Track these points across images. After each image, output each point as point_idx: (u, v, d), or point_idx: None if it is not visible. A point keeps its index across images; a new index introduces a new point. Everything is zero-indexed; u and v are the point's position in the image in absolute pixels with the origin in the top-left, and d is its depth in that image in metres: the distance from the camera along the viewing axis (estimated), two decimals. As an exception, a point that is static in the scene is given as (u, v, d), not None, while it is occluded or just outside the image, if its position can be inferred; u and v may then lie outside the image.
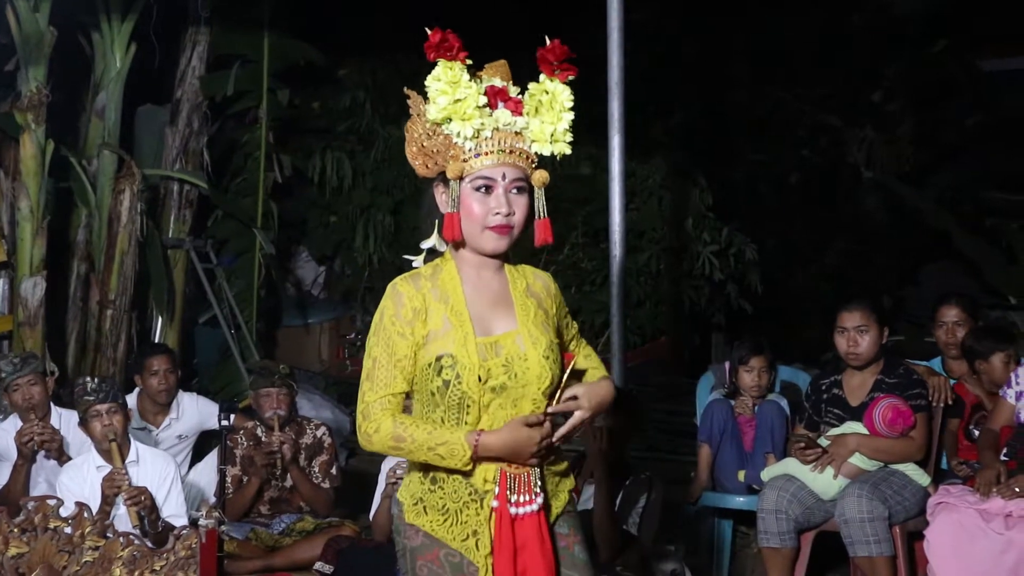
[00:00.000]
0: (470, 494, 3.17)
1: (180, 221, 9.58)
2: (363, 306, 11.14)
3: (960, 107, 12.12)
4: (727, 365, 6.42)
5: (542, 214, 3.22)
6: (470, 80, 3.16)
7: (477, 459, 3.13)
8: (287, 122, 10.54)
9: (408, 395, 3.23)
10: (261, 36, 9.85)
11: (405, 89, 3.27)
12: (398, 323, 3.17)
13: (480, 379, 3.13)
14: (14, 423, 6.35)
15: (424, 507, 3.21)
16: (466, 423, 3.16)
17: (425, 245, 3.29)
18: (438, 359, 3.15)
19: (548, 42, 3.23)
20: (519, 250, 3.33)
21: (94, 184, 8.84)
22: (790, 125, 12.23)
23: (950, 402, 5.82)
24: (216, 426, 6.60)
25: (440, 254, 3.29)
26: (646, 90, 10.06)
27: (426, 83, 3.16)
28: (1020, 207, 10.83)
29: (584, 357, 3.47)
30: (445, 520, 3.19)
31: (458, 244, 3.24)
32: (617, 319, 6.48)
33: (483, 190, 3.17)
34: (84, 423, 5.72)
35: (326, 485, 6.44)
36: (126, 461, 5.67)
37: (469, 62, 3.17)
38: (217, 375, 9.81)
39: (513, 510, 3.16)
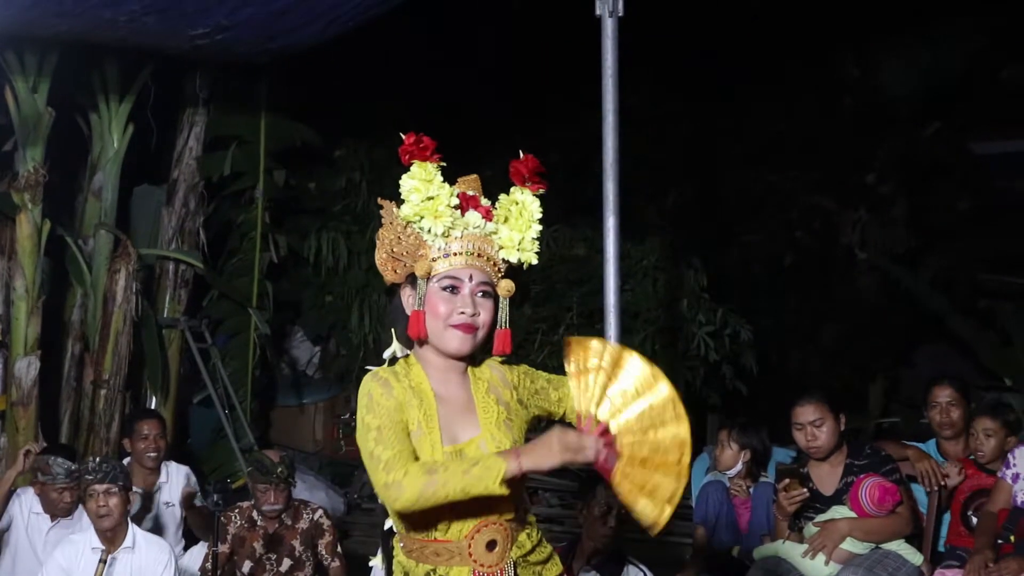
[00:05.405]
0: None
1: (175, 301, 9.58)
2: (358, 386, 11.07)
3: (952, 189, 12.20)
4: (720, 446, 6.44)
5: (504, 324, 3.21)
6: (443, 182, 3.20)
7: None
8: (283, 202, 10.59)
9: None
10: (258, 117, 9.92)
11: (379, 199, 3.33)
12: (391, 399, 3.15)
13: None
14: (29, 496, 6.38)
15: None
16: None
17: (387, 354, 3.31)
18: None
19: (521, 155, 3.29)
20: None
21: (90, 264, 8.83)
22: (783, 207, 12.28)
23: (943, 483, 5.81)
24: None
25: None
26: (640, 172, 10.12)
27: (400, 182, 3.21)
28: (1013, 289, 10.86)
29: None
30: None
31: (422, 344, 3.23)
32: (611, 400, 6.46)
33: (450, 290, 3.17)
34: (83, 500, 5.71)
35: (336, 564, 6.43)
36: (122, 547, 5.64)
37: (443, 164, 3.22)
38: (211, 455, 9.76)
39: None
